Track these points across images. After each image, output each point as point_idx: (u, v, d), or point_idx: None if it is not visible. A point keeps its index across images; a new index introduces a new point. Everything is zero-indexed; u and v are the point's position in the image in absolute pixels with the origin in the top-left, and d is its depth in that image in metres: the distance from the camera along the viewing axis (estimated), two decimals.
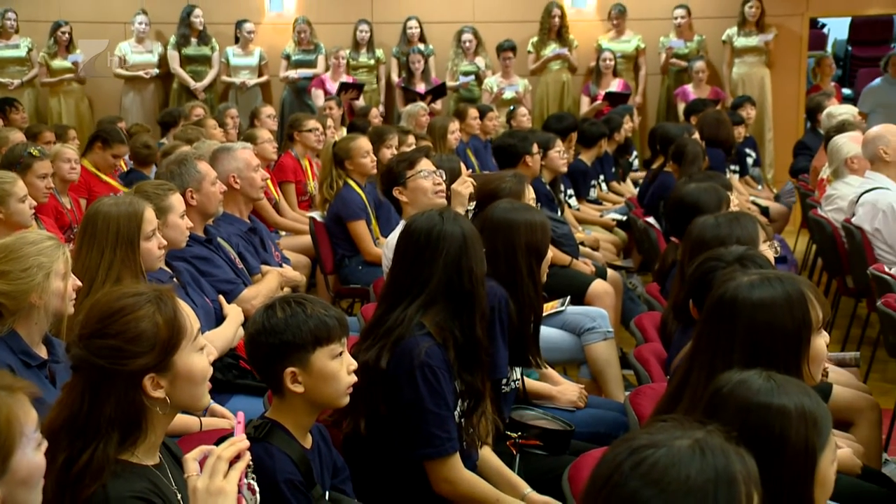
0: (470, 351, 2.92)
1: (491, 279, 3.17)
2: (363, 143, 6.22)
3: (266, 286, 4.45)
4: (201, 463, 1.89)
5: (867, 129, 6.46)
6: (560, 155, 6.60)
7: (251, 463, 1.96)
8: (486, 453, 3.08)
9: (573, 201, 7.58)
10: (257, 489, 1.96)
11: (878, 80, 11.15)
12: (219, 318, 3.97)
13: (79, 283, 3.13)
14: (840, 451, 3.19)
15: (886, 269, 5.02)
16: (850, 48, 14.12)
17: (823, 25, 13.86)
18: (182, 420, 3.24)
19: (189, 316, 2.15)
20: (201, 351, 2.16)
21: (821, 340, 2.48)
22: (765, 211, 7.86)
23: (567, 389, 3.84)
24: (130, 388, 2.05)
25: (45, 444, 1.89)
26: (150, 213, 3.54)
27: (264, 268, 4.72)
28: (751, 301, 2.42)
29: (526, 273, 3.56)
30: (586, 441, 3.42)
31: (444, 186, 4.68)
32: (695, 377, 2.45)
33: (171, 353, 2.08)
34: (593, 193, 8.05)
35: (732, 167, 8.51)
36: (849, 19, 13.48)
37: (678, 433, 1.51)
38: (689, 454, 1.47)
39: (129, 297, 2.10)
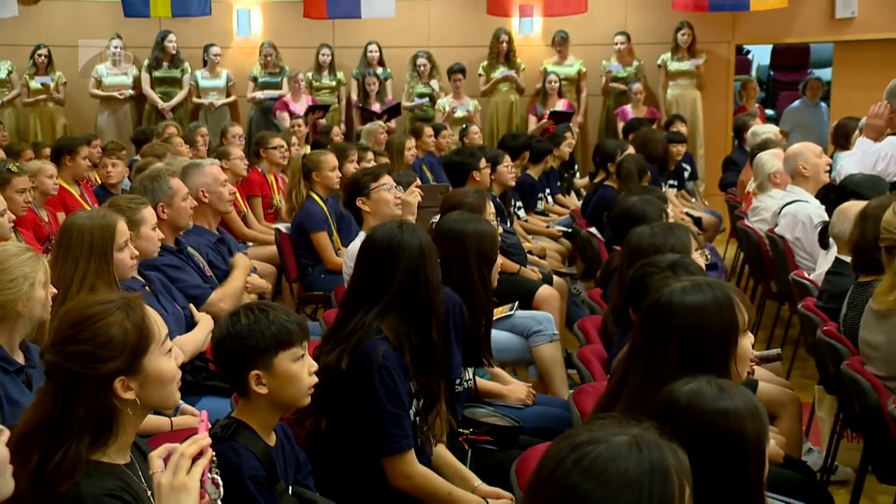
0: (426, 354, 2.91)
1: (445, 286, 3.17)
2: (331, 158, 6.26)
3: (231, 287, 4.40)
4: (166, 460, 1.86)
5: (788, 147, 6.55)
6: (508, 170, 6.62)
7: (214, 459, 1.93)
8: (440, 449, 3.07)
9: (522, 213, 7.60)
10: (221, 483, 1.93)
11: (797, 102, 11.32)
12: (189, 324, 3.93)
13: (55, 290, 3.10)
14: None
15: (806, 275, 5.08)
16: (772, 73, 14.29)
17: (748, 52, 14.02)
18: (153, 420, 3.21)
19: (156, 321, 2.12)
20: (169, 354, 2.13)
21: (746, 341, 2.50)
22: (697, 221, 7.92)
23: (516, 388, 3.85)
24: (102, 391, 2.01)
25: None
26: (122, 226, 3.50)
27: (235, 258, 4.67)
28: (683, 305, 2.43)
29: (477, 279, 3.56)
30: (533, 436, 3.42)
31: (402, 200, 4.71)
32: (632, 376, 2.46)
33: (140, 356, 2.05)
34: (540, 206, 8.08)
35: (670, 181, 8.60)
36: (771, 46, 13.64)
37: (616, 430, 1.51)
38: (626, 449, 1.47)
39: (100, 304, 2.07)
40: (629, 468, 1.45)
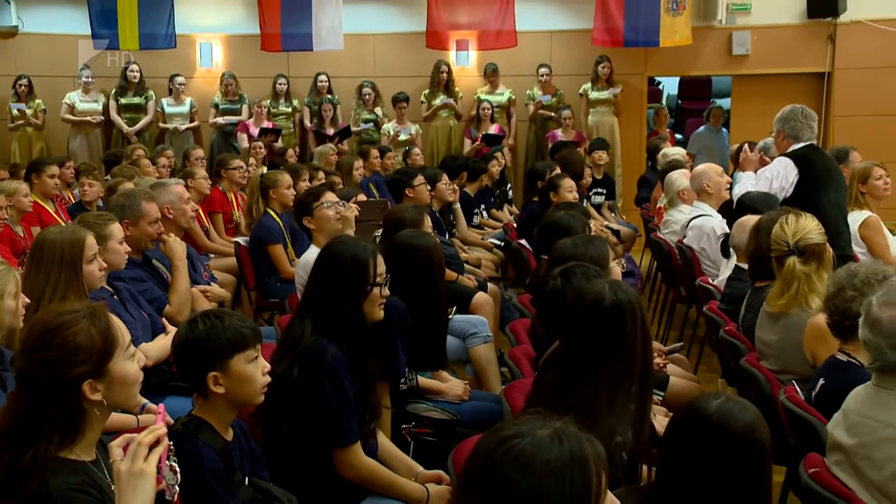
0: (357, 362, 2.87)
1: (393, 295, 3.15)
2: (287, 177, 6.26)
3: (179, 292, 4.26)
4: (125, 449, 1.83)
5: (694, 168, 6.66)
6: (447, 187, 6.63)
7: (172, 447, 1.90)
8: (385, 441, 3.06)
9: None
10: (178, 470, 1.90)
11: (701, 128, 11.51)
12: (155, 330, 3.86)
13: (27, 300, 3.04)
14: None
15: (710, 281, 5.16)
16: (679, 101, 14.49)
17: (659, 83, 14.19)
18: (120, 418, 3.14)
19: (120, 328, 2.08)
20: (132, 358, 2.09)
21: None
22: (616, 233, 8.00)
23: (454, 385, 3.84)
24: (71, 394, 1.97)
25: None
26: (91, 240, 3.43)
27: (170, 248, 4.43)
28: (602, 306, 2.47)
29: (429, 287, 3.57)
30: (469, 428, 3.42)
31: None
32: (553, 373, 2.49)
33: (106, 361, 2.01)
34: (476, 220, 8.10)
35: (598, 190, 8.70)
36: (678, 78, 13.85)
37: (539, 424, 1.52)
38: (549, 442, 1.48)
39: (67, 314, 2.02)
40: (552, 458, 1.46)
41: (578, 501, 1.46)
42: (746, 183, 5.55)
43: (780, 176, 4.93)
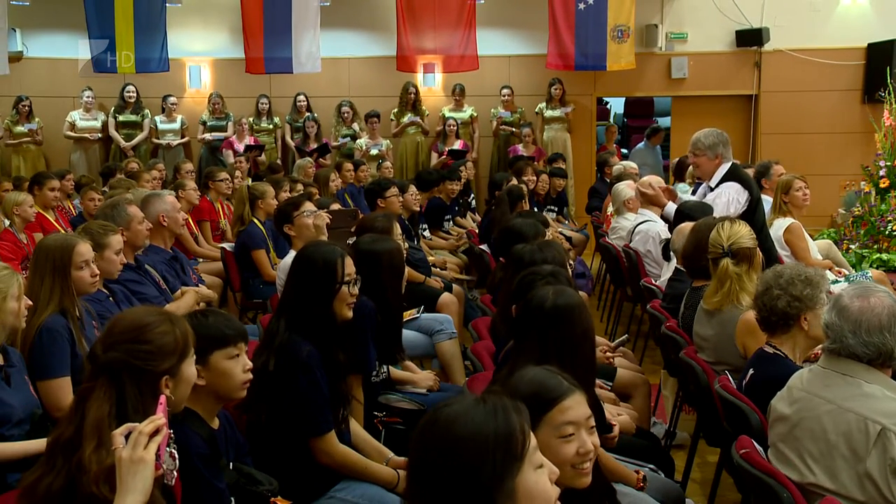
0: (329, 358, 2.84)
1: (362, 295, 3.12)
2: (271, 189, 6.27)
3: (184, 302, 4.29)
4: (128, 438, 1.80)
5: (639, 180, 6.69)
6: (413, 198, 6.62)
7: (172, 435, 1.87)
8: (358, 429, 3.02)
9: (427, 233, 7.60)
10: (177, 456, 1.87)
11: (640, 145, 11.62)
12: None
13: (30, 302, 2.98)
14: (621, 416, 3.27)
15: (653, 282, 5.19)
16: (625, 119, 14.61)
17: (607, 102, 14.29)
18: None
19: (191, 334, 2.09)
20: (193, 363, 2.10)
21: None
22: (569, 239, 8.01)
23: (423, 377, 3.83)
24: (152, 387, 1.97)
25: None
26: (81, 248, 3.33)
27: (183, 288, 4.56)
28: (550, 307, 2.48)
29: (390, 288, 3.54)
30: None
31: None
32: (508, 365, 2.50)
33: (182, 361, 2.03)
34: (447, 226, 8.09)
35: (551, 207, 8.72)
36: (624, 98, 13.96)
37: (470, 397, 1.55)
38: (475, 403, 1.51)
39: (151, 315, 2.03)
40: (476, 414, 1.49)
41: (502, 460, 1.46)
42: (684, 194, 5.59)
43: (734, 201, 4.99)
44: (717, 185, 5.10)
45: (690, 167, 8.08)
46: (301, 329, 2.80)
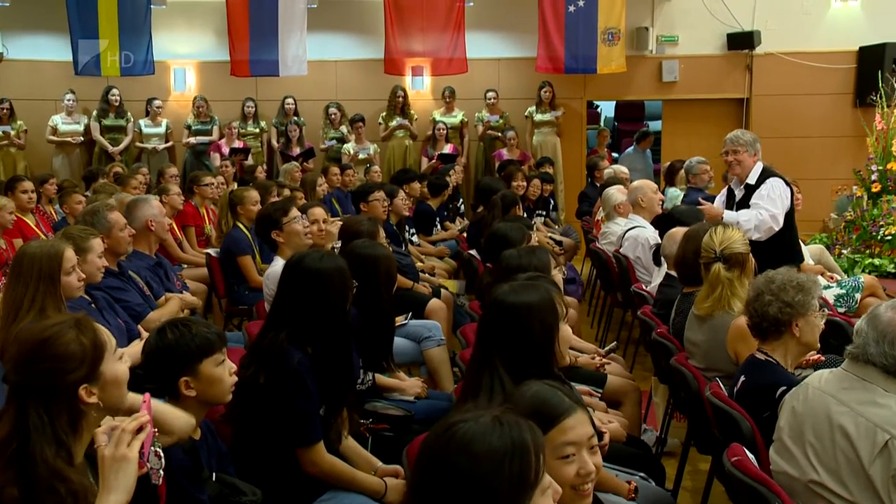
0: (330, 370, 2.83)
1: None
2: (254, 194, 6.21)
3: (168, 310, 4.27)
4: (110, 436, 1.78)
5: (630, 184, 6.70)
6: (403, 202, 6.61)
7: (157, 433, 1.85)
8: (347, 439, 3.01)
9: (415, 238, 7.59)
10: (163, 455, 1.85)
11: (629, 149, 11.64)
12: (131, 336, 3.78)
13: None
14: (611, 424, 3.27)
15: (644, 287, 5.19)
16: (616, 123, 14.65)
17: (597, 106, 14.32)
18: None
19: (105, 332, 2.02)
20: (120, 359, 2.04)
21: (566, 327, 2.57)
22: (559, 244, 8.01)
23: (411, 384, 3.81)
24: (69, 401, 1.90)
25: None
26: (69, 253, 3.34)
27: (167, 295, 4.53)
28: (513, 303, 2.51)
29: (384, 295, 3.53)
30: (424, 425, 3.37)
31: (311, 228, 4.62)
32: (470, 364, 2.52)
33: (98, 364, 1.95)
34: (436, 232, 8.09)
35: (539, 212, 8.72)
36: (614, 102, 14.00)
37: (482, 412, 1.51)
38: (491, 426, 1.47)
39: (52, 326, 1.95)
40: (493, 442, 1.45)
41: (517, 485, 1.44)
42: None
43: (785, 196, 5.12)
44: (756, 182, 5.19)
45: (681, 172, 8.13)
46: (309, 340, 2.79)
